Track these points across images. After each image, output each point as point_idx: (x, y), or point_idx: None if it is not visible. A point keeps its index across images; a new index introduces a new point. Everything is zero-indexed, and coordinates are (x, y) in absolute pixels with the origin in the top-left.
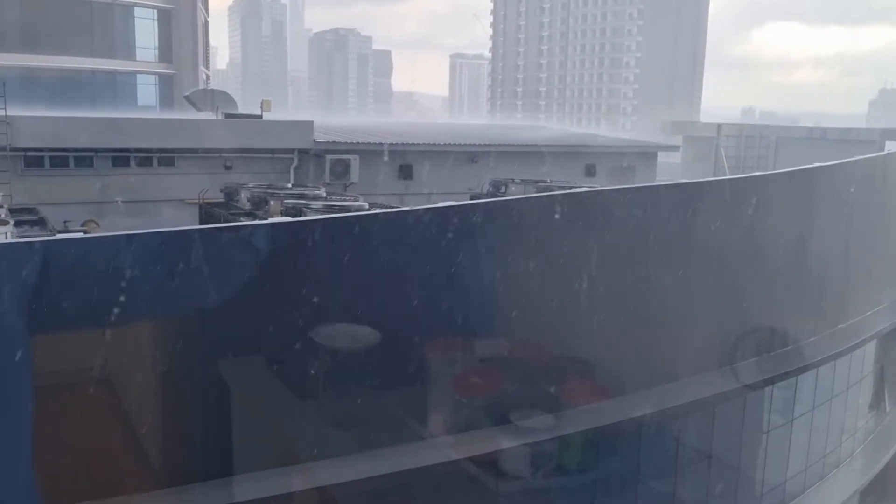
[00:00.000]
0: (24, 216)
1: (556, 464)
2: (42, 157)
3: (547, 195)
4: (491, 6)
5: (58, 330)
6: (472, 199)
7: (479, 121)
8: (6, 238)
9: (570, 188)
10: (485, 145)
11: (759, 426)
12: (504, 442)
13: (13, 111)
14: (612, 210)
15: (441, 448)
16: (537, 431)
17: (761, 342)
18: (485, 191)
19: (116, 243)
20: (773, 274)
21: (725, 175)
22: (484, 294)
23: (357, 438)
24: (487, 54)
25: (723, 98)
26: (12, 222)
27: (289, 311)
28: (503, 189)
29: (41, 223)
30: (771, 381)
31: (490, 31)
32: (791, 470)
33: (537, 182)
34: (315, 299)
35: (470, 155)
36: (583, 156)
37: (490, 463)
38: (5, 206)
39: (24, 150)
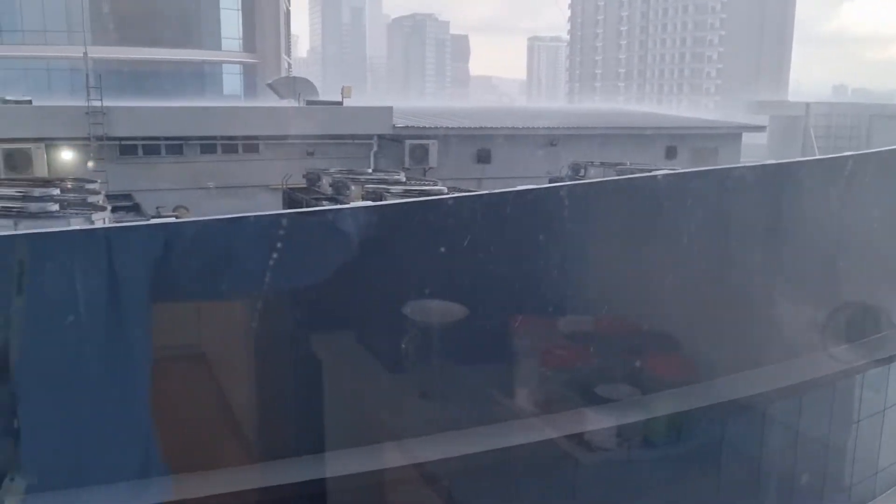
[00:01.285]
0: (120, 202)
1: (640, 446)
2: (136, 145)
3: (628, 178)
4: None
5: (173, 306)
6: (550, 182)
7: (558, 104)
8: (104, 223)
9: (650, 171)
10: (563, 128)
11: (850, 415)
12: (591, 421)
13: (109, 102)
14: (695, 192)
15: (529, 427)
16: (624, 412)
17: (854, 327)
18: (564, 174)
19: (235, 225)
20: (866, 256)
21: (815, 155)
22: (571, 273)
23: (447, 416)
24: (565, 36)
25: (813, 76)
26: (109, 208)
27: (383, 289)
28: (582, 172)
29: (136, 209)
30: (863, 368)
31: (568, 13)
32: (883, 461)
33: (616, 165)
34: (407, 278)
35: (548, 138)
36: (663, 137)
37: (577, 442)
38: (103, 192)
39: (120, 138)
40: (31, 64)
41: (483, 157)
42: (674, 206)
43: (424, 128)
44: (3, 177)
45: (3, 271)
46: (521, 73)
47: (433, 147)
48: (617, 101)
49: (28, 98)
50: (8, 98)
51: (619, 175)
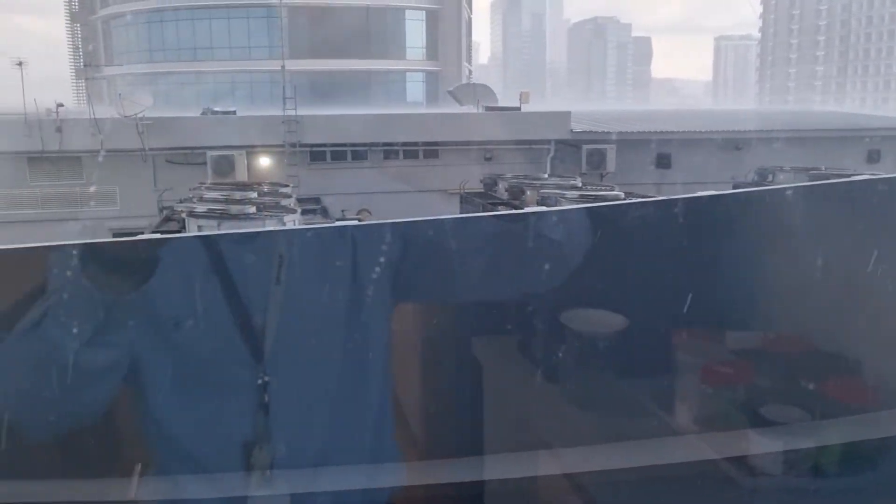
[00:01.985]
0: (309, 205)
1: (812, 473)
2: (325, 151)
3: (818, 184)
4: None
5: (401, 301)
6: (734, 188)
7: (745, 106)
8: (294, 224)
9: (849, 176)
10: (750, 131)
11: None
12: (758, 444)
13: (302, 111)
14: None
15: (690, 445)
16: (794, 436)
17: None
18: (750, 180)
19: (457, 225)
20: None
21: None
22: (743, 286)
23: (605, 428)
24: (756, 34)
25: None
26: (299, 210)
27: (546, 295)
28: (770, 178)
29: (323, 212)
30: None
31: (760, 10)
32: None
33: (810, 170)
34: (570, 284)
35: (733, 142)
36: (865, 140)
37: (738, 465)
38: (294, 195)
39: (311, 145)
40: (237, 77)
41: (663, 162)
42: (869, 214)
43: (602, 132)
44: (210, 181)
45: (265, 262)
46: (705, 75)
47: (611, 151)
48: (813, 102)
49: (233, 109)
50: (216, 109)
51: (812, 180)
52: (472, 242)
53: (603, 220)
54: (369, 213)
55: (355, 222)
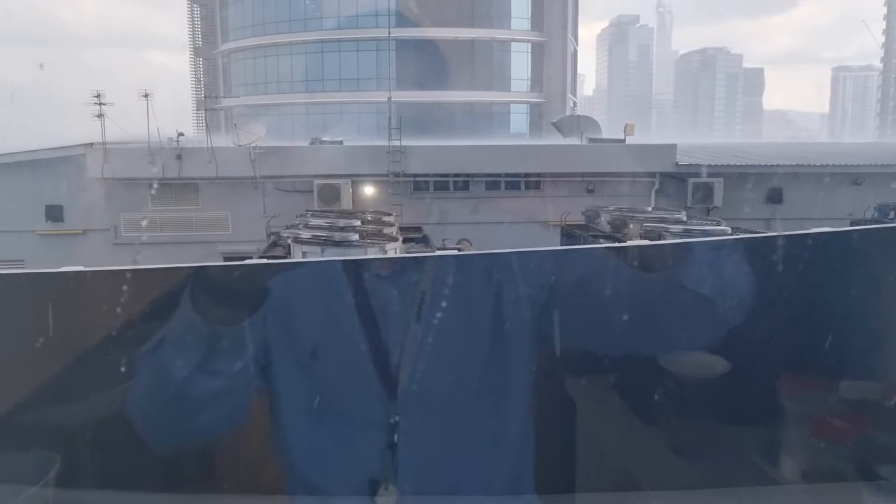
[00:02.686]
0: (411, 234)
1: None
2: (428, 181)
3: None
4: (884, 10)
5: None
6: (852, 224)
7: (865, 139)
8: (395, 252)
9: None
10: (870, 165)
11: None
12: (868, 500)
13: (407, 141)
14: None
15: (793, 495)
16: None
17: None
18: (869, 216)
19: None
20: None
21: None
22: (859, 330)
23: (702, 473)
24: (878, 65)
25: None
26: (401, 239)
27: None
28: (892, 215)
29: (424, 241)
30: None
31: (882, 39)
32: None
33: None
34: (667, 325)
35: (852, 176)
36: None
37: None
38: (396, 224)
39: (414, 175)
40: (345, 108)
41: (774, 197)
42: None
43: (709, 165)
44: (316, 208)
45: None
46: (821, 107)
47: (718, 185)
48: None
49: (340, 139)
50: (324, 139)
51: None
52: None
53: (713, 254)
54: (470, 243)
55: (455, 252)
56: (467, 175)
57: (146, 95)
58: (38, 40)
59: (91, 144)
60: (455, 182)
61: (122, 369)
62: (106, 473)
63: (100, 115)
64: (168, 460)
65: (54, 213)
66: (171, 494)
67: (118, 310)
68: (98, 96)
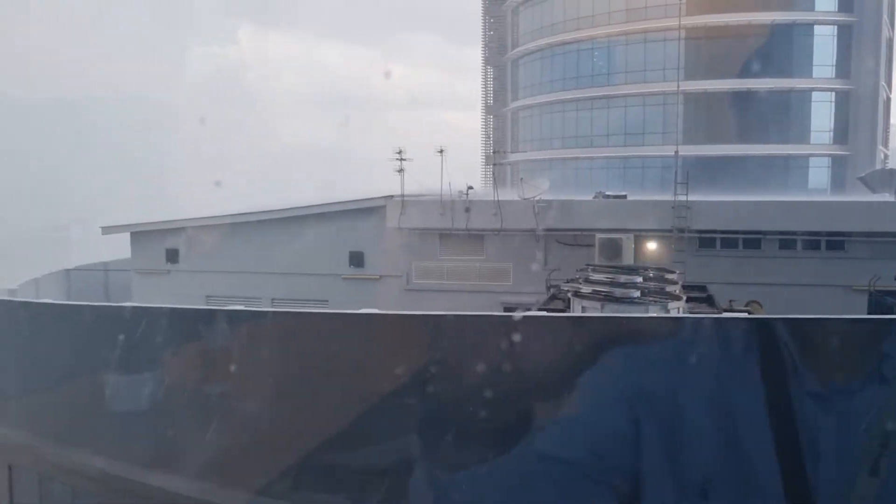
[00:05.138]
0: (694, 293)
1: None
2: (714, 238)
3: None
4: None
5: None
6: None
7: None
8: (678, 312)
9: None
10: None
11: None
12: None
13: (694, 197)
14: None
15: None
16: None
17: None
18: None
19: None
20: None
21: None
22: None
23: None
24: None
25: None
26: (684, 298)
27: None
28: None
29: (709, 300)
30: None
31: None
32: None
33: None
34: None
35: None
36: None
37: None
38: (680, 282)
39: (700, 231)
40: (629, 162)
41: None
42: None
43: None
44: (596, 262)
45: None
46: None
47: None
48: None
49: (624, 193)
50: (608, 193)
51: None
52: None
53: None
54: (760, 305)
55: (744, 315)
56: (759, 232)
57: (440, 151)
58: (351, 103)
59: (391, 197)
60: (745, 240)
61: (414, 407)
62: None
63: (399, 171)
64: None
65: (356, 259)
66: None
67: (415, 351)
68: (399, 153)
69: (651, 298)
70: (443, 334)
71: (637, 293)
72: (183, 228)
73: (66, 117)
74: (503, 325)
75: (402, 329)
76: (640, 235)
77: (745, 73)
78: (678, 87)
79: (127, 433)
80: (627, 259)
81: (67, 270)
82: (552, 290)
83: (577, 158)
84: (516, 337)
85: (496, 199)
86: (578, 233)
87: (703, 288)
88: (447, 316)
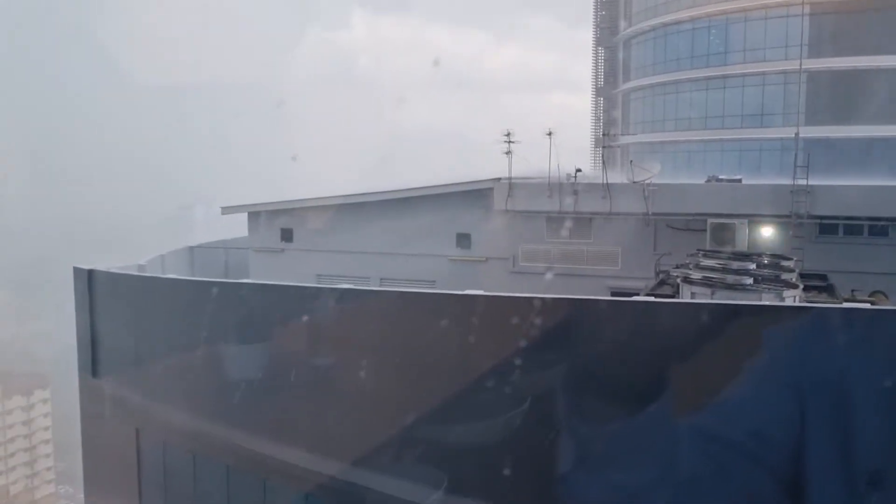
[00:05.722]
0: (813, 282)
1: None
2: (836, 224)
3: None
4: None
5: None
6: None
7: None
8: (794, 301)
9: None
10: None
11: None
12: None
13: (815, 181)
14: None
15: None
16: None
17: None
18: None
19: None
20: None
21: None
22: None
23: None
24: None
25: None
26: (801, 287)
27: None
28: None
29: (829, 290)
30: None
31: None
32: None
33: None
34: None
35: None
36: None
37: None
38: (796, 270)
39: (821, 217)
40: (745, 145)
41: None
42: None
43: None
44: (708, 248)
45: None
46: None
47: None
48: None
49: (739, 177)
50: (721, 177)
51: None
52: None
53: None
54: (885, 296)
55: (867, 306)
56: (888, 219)
57: (549, 134)
58: (463, 85)
59: (499, 179)
60: (871, 227)
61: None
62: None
63: (508, 153)
64: None
65: (463, 241)
66: None
67: (520, 334)
68: (508, 135)
69: (765, 286)
70: (596, 317)
71: (750, 280)
72: (296, 209)
73: (192, 103)
74: (632, 310)
75: (551, 312)
76: (754, 221)
77: (874, 49)
78: (800, 64)
79: (245, 403)
80: (741, 245)
81: (191, 248)
82: (661, 276)
83: (689, 141)
84: (647, 321)
85: (605, 182)
86: (690, 217)
87: (823, 277)
88: (599, 301)
